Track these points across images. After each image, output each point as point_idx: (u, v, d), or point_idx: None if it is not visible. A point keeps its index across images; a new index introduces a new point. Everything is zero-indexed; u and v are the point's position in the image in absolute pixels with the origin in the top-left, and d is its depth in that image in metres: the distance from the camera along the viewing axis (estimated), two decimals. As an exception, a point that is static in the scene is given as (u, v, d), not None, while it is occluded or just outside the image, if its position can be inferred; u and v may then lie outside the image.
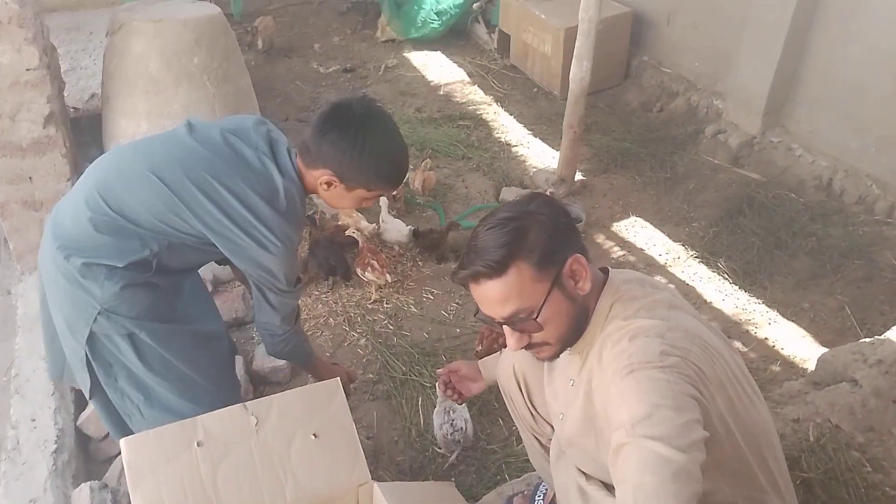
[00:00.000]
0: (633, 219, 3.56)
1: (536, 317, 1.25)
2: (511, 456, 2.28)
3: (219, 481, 1.51)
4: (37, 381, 2.28)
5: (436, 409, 2.25)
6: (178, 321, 1.81)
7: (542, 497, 1.92)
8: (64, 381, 2.01)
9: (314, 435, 1.63)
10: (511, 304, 1.24)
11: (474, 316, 1.38)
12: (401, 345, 2.75)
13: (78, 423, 2.22)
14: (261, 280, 1.75)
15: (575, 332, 1.31)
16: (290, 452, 1.60)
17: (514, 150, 4.14)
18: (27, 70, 2.43)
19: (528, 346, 1.33)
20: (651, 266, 3.23)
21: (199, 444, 1.52)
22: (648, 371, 1.13)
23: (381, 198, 3.20)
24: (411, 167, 3.77)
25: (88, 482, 1.96)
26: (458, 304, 2.98)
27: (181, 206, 1.61)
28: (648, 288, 1.34)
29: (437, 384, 1.95)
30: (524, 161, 4.03)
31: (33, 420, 2.15)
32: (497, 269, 1.21)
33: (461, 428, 2.19)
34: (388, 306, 2.96)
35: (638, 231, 3.47)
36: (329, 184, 1.68)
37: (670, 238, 3.41)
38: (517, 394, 1.72)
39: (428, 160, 3.61)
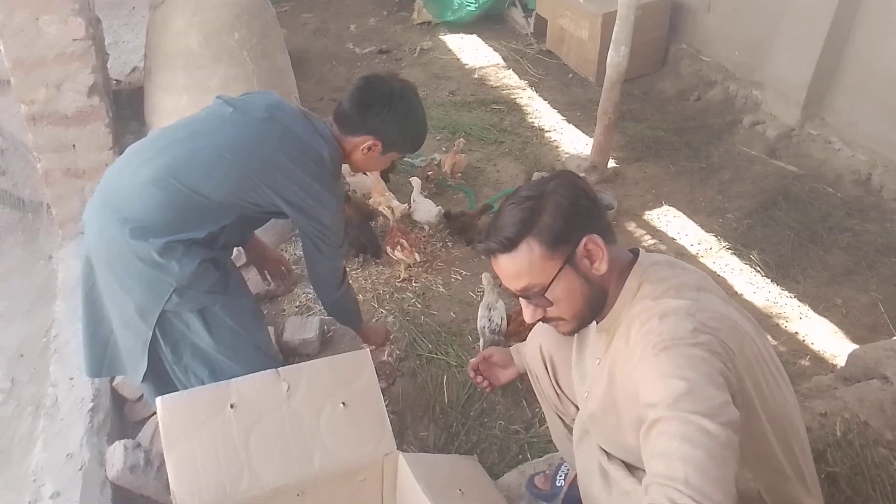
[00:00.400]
0: (665, 208, 3.52)
1: (545, 293, 1.29)
2: (534, 437, 2.30)
3: (251, 445, 1.56)
4: (75, 343, 2.35)
5: (482, 303, 2.52)
6: (234, 295, 1.92)
7: (563, 477, 1.94)
8: (103, 375, 2.09)
9: (343, 404, 1.67)
10: (523, 279, 1.29)
11: (499, 286, 1.42)
12: (428, 323, 2.78)
13: (114, 384, 2.29)
14: (317, 235, 1.92)
15: (590, 310, 1.33)
16: (320, 421, 1.64)
17: (546, 135, 4.12)
18: (73, 41, 2.49)
19: (545, 320, 1.37)
20: (682, 256, 3.21)
21: (232, 407, 1.57)
22: (682, 348, 1.13)
23: (414, 178, 3.23)
24: (443, 150, 3.80)
25: (122, 440, 2.01)
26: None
27: (258, 181, 1.77)
28: (678, 269, 1.34)
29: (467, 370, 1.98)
30: (556, 147, 4.01)
31: (71, 379, 2.23)
32: (508, 246, 1.27)
33: (497, 324, 2.47)
34: (417, 285, 2.99)
35: (670, 220, 3.44)
36: (370, 148, 1.91)
37: (703, 228, 3.38)
38: (543, 373, 1.73)
39: (462, 140, 3.61)
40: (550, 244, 1.25)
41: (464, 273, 3.06)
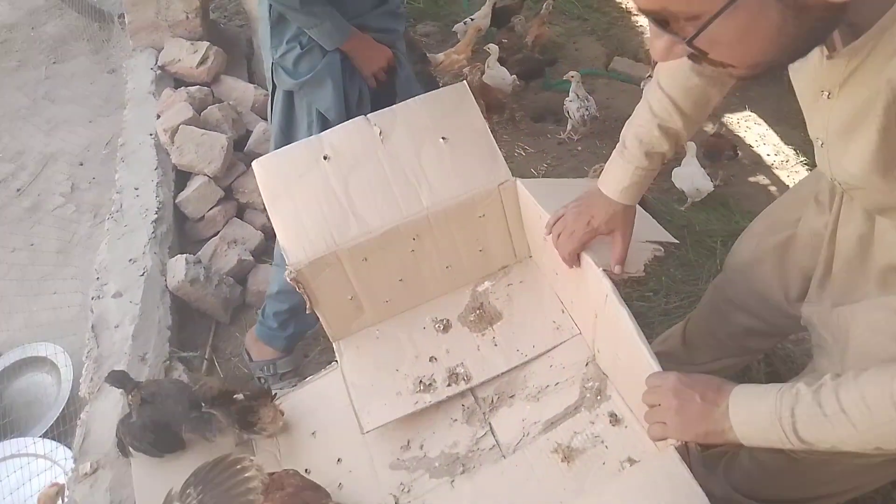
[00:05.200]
0: (747, 113, 3.34)
1: (697, 34, 0.69)
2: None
3: (351, 191, 1.49)
4: (142, 154, 2.35)
5: (569, 97, 2.89)
6: (324, 96, 1.78)
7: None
8: None
9: (443, 139, 1.55)
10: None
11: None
12: (486, 192, 2.73)
13: (177, 200, 2.30)
14: None
15: (788, 58, 0.74)
16: (420, 160, 1.53)
17: (633, 18, 3.87)
18: None
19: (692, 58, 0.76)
20: (757, 164, 3.08)
21: (326, 158, 1.50)
22: None
23: (491, 45, 3.07)
24: (522, 17, 3.59)
25: (184, 254, 2.06)
26: (548, 164, 2.91)
27: None
28: None
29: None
30: (643, 32, 3.77)
31: (136, 189, 2.24)
32: None
33: (595, 111, 2.91)
34: (479, 153, 2.92)
35: (750, 126, 3.28)
36: None
37: (783, 140, 3.21)
38: None
39: (550, 2, 3.36)
40: None
41: (528, 150, 2.96)
